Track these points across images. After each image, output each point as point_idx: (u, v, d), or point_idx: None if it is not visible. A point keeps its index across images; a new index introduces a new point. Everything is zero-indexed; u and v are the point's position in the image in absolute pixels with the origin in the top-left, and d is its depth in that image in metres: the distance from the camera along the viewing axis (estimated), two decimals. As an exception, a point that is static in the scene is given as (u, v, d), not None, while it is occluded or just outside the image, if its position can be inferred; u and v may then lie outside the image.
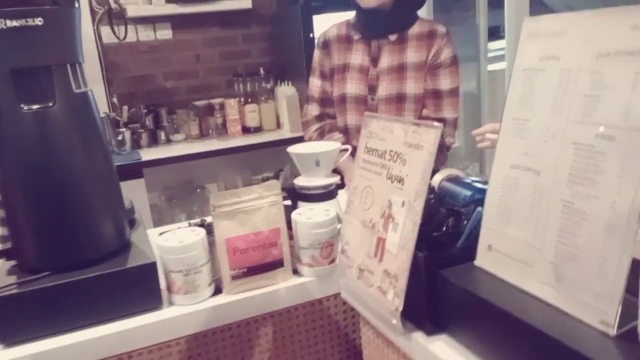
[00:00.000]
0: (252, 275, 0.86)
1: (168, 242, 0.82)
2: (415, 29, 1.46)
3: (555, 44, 0.53)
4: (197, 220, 1.04)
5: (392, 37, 1.46)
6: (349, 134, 1.54)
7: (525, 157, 0.56)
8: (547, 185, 0.52)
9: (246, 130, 2.62)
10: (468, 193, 0.86)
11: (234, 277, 0.85)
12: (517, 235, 0.56)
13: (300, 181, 1.04)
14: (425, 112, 1.50)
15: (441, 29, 1.46)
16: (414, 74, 1.45)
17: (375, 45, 1.48)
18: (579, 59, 0.50)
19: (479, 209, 0.68)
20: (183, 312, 0.82)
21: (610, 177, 0.46)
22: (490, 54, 2.38)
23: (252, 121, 2.62)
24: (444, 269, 0.64)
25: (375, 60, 1.48)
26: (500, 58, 2.47)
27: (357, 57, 1.50)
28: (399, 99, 1.47)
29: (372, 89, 1.49)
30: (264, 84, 2.66)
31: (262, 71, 2.67)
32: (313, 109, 1.59)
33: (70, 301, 0.78)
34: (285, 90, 2.56)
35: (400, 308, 0.67)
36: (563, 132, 0.51)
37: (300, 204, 1.04)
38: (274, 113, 2.66)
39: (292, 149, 1.06)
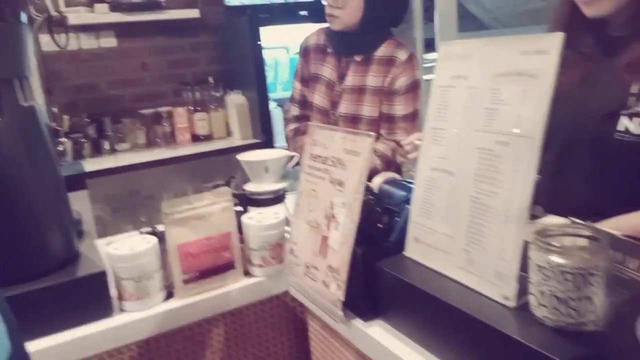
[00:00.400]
0: (204, 278, 0.91)
1: (119, 250, 0.85)
2: (380, 52, 1.49)
3: (464, 65, 0.63)
4: (149, 229, 1.07)
5: (358, 58, 1.51)
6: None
7: (442, 161, 0.66)
8: (459, 184, 0.62)
9: (196, 138, 2.63)
10: (403, 193, 0.96)
11: (186, 281, 0.89)
12: (437, 228, 0.66)
13: (250, 187, 1.10)
14: (382, 132, 1.53)
15: (401, 56, 1.47)
16: (370, 97, 1.50)
17: (344, 62, 1.53)
18: (481, 78, 0.61)
19: (408, 206, 0.77)
20: (134, 318, 0.84)
21: (506, 176, 0.57)
22: (427, 65, 2.54)
23: (201, 129, 2.64)
24: (379, 260, 0.73)
25: (342, 77, 1.54)
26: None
27: (327, 70, 1.57)
28: (355, 119, 1.52)
29: (335, 105, 1.55)
30: (213, 92, 2.69)
31: (211, 79, 2.70)
32: (293, 110, 1.68)
33: (21, 313, 0.78)
34: (235, 99, 2.60)
35: (342, 298, 0.75)
36: (470, 139, 0.61)
37: (251, 209, 1.10)
38: (223, 121, 2.69)
39: (242, 157, 1.12)
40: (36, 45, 2.45)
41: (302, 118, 1.68)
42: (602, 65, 0.85)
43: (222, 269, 0.93)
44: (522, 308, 0.56)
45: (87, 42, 2.57)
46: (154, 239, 0.89)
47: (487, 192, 0.58)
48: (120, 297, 0.86)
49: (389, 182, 1.02)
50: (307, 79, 1.62)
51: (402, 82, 1.47)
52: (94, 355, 0.82)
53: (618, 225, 0.64)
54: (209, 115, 2.65)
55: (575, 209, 0.64)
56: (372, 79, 1.49)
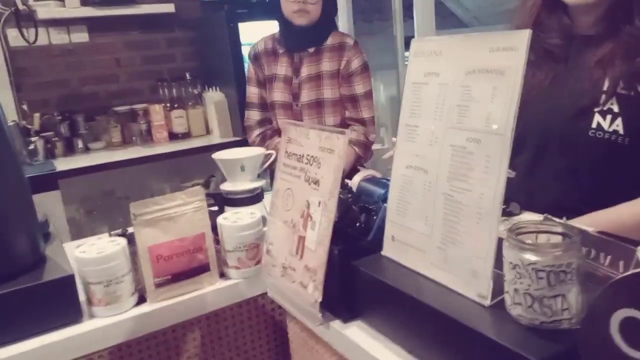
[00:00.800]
0: (177, 281, 0.89)
1: (86, 253, 0.83)
2: (329, 42, 1.69)
3: (435, 62, 0.63)
4: (118, 231, 1.05)
5: (311, 50, 1.69)
6: (280, 137, 1.70)
7: (416, 159, 0.65)
8: (433, 181, 0.62)
9: (173, 136, 2.59)
10: (382, 191, 0.95)
11: (158, 285, 0.88)
12: (413, 226, 0.66)
13: (226, 186, 1.09)
14: (347, 114, 1.74)
15: (349, 41, 1.69)
16: (329, 81, 1.68)
17: (297, 57, 1.71)
18: (453, 75, 0.61)
19: (385, 205, 0.77)
20: (104, 323, 0.82)
21: (478, 173, 0.57)
22: (407, 62, 2.56)
23: (179, 127, 2.60)
24: (356, 260, 0.72)
25: (297, 71, 1.71)
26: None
27: (282, 68, 1.72)
28: (318, 104, 1.69)
29: (296, 96, 1.71)
30: (190, 89, 2.65)
31: (188, 76, 2.66)
32: (254, 114, 1.81)
33: (-17, 319, 0.76)
34: (214, 96, 2.57)
35: (320, 299, 0.74)
36: (443, 136, 0.61)
37: (227, 208, 1.09)
38: (202, 118, 2.65)
39: (217, 155, 1.10)
40: (3, 40, 2.38)
41: (265, 121, 1.81)
42: (572, 64, 0.86)
43: (196, 271, 0.91)
44: (498, 306, 0.57)
45: (58, 37, 2.51)
46: (123, 241, 0.86)
47: (460, 190, 0.58)
48: (90, 302, 0.84)
49: (368, 180, 1.01)
50: (263, 82, 1.77)
51: (356, 63, 1.68)
52: (62, 363, 0.80)
53: (592, 222, 0.65)
54: (186, 112, 2.61)
55: (550, 207, 0.65)
56: (327, 64, 1.68)
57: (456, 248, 0.59)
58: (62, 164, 2.27)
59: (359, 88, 1.69)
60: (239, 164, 1.06)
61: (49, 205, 2.00)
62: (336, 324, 0.74)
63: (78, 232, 2.32)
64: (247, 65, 1.84)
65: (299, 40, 1.69)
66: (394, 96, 2.85)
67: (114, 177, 2.40)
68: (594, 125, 0.78)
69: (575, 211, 0.72)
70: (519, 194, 0.73)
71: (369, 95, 1.71)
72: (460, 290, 0.59)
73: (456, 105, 0.59)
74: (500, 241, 0.55)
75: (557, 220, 0.57)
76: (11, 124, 2.26)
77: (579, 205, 0.77)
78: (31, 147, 2.31)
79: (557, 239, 0.54)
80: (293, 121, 0.90)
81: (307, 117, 1.71)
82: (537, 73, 0.84)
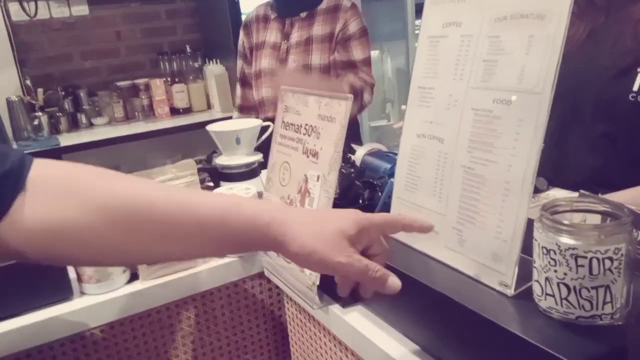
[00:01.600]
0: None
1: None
2: (323, 4, 1.50)
3: (457, 10, 0.51)
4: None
5: (303, 14, 1.50)
6: (263, 106, 1.57)
7: (430, 126, 0.54)
8: (450, 152, 0.51)
9: (175, 111, 2.47)
10: (387, 166, 0.85)
11: (150, 263, 0.79)
12: (424, 204, 0.55)
13: (221, 160, 0.98)
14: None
15: (346, 2, 1.48)
16: (319, 45, 1.47)
17: (289, 23, 1.52)
18: (478, 24, 0.49)
19: (391, 180, 0.66)
20: (95, 301, 0.76)
21: (507, 141, 0.45)
22: (417, 31, 2.38)
23: (180, 102, 2.47)
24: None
25: (287, 36, 1.52)
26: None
27: (272, 34, 1.54)
28: (304, 70, 1.48)
29: (283, 62, 1.52)
30: (191, 63, 2.52)
31: (188, 49, 2.51)
32: (239, 90, 1.67)
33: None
34: (214, 69, 2.43)
35: (317, 282, 0.64)
36: (464, 98, 0.50)
37: (223, 184, 0.98)
38: (203, 93, 2.52)
39: (212, 127, 0.99)
40: (5, 15, 2.24)
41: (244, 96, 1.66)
42: (613, 19, 0.72)
43: None
44: (523, 297, 0.46)
45: (58, 11, 2.36)
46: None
47: (483, 161, 0.47)
48: (80, 279, 0.77)
49: (373, 153, 0.91)
50: (250, 51, 1.59)
51: (354, 26, 1.47)
52: (55, 340, 0.74)
53: (633, 197, 0.54)
54: (187, 86, 2.48)
55: (581, 182, 0.54)
56: (319, 28, 1.49)
57: (476, 228, 0.48)
58: (66, 140, 2.18)
59: (357, 54, 1.47)
60: (234, 137, 0.95)
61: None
62: (336, 307, 0.65)
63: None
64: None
65: (291, 4, 1.51)
66: (401, 69, 2.63)
67: (117, 152, 2.30)
68: (635, 87, 0.66)
69: (610, 185, 0.61)
70: (545, 167, 0.62)
71: (367, 62, 1.49)
72: (478, 276, 0.49)
73: (482, 60, 0.47)
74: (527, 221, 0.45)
75: (598, 196, 0.46)
76: (15, 99, 2.16)
77: (616, 178, 0.65)
78: (35, 122, 2.21)
79: (599, 218, 0.44)
80: (290, 87, 0.78)
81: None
82: (575, 23, 0.70)
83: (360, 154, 0.91)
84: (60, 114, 2.30)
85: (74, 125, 2.37)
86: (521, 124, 0.44)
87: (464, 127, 0.49)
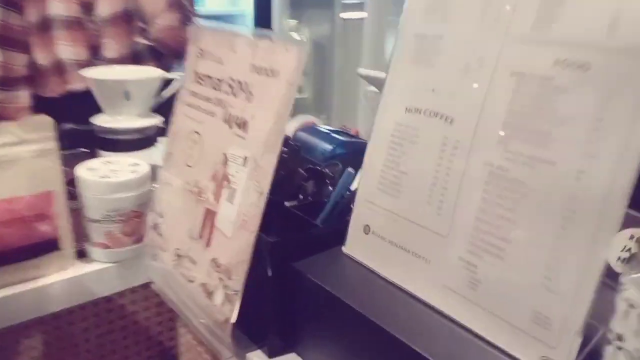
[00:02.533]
0: (6, 264, 0.51)
1: None
2: None
3: None
4: None
5: None
6: (65, 73, 0.98)
7: (431, 96, 0.34)
8: (465, 140, 0.31)
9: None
10: (328, 147, 0.66)
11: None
12: (410, 215, 0.35)
13: (101, 121, 0.68)
14: None
15: None
16: None
17: None
18: None
19: (350, 170, 0.46)
20: None
21: (577, 130, 0.27)
22: (345, 1, 2.17)
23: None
24: (299, 259, 0.41)
25: None
26: (357, 6, 2.27)
27: None
28: (127, 18, 0.97)
29: (87, 6, 0.96)
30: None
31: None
32: None
33: None
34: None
35: (233, 318, 0.41)
36: (497, 56, 0.30)
37: (103, 154, 0.69)
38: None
39: (90, 73, 0.69)
40: None
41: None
42: None
43: (37, 249, 0.55)
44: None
45: None
46: None
47: (527, 160, 0.28)
48: None
49: (308, 129, 0.71)
50: None
51: None
52: None
53: None
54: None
55: None
56: None
57: (502, 265, 0.30)
58: None
59: None
60: (122, 89, 0.66)
61: None
62: (257, 356, 0.43)
63: None
64: None
65: None
66: (323, 41, 2.40)
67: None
68: None
69: None
70: None
71: None
72: (500, 343, 0.30)
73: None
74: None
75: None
76: None
77: None
78: None
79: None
80: (203, 25, 0.52)
81: (111, 39, 0.97)
82: None
83: (291, 127, 0.70)
84: None
85: None
86: (609, 104, 0.26)
87: (495, 103, 0.30)
